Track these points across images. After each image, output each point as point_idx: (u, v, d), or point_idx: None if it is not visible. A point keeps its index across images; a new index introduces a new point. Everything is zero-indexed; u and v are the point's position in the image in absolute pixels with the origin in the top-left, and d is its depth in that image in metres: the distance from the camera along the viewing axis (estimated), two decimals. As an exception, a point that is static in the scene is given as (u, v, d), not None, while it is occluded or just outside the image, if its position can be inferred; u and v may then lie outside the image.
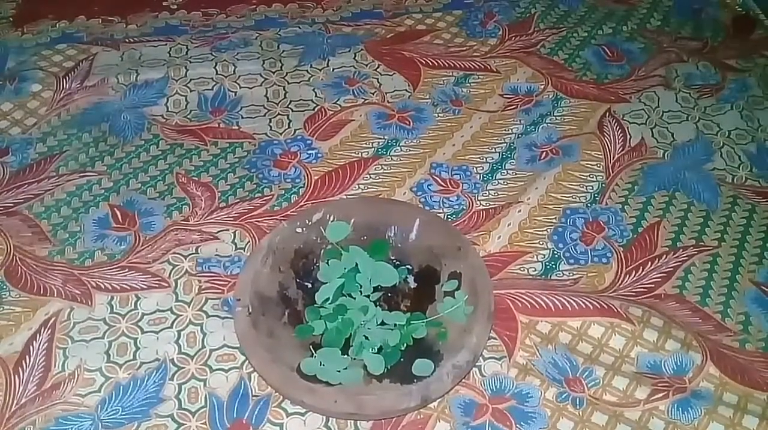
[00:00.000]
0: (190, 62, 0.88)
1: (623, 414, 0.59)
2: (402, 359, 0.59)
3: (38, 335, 0.62)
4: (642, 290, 0.67)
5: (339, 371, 0.57)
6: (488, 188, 0.76)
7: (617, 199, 0.75)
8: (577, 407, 0.59)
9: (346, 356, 0.58)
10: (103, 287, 0.66)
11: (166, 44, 0.91)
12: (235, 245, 0.69)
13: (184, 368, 0.60)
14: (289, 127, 0.81)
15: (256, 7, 0.98)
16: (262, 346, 0.57)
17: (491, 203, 0.74)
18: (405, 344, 0.59)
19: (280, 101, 0.84)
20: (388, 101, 0.85)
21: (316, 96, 0.85)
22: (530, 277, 0.68)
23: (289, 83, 0.86)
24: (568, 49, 0.93)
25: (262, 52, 0.90)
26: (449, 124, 0.82)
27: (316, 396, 0.55)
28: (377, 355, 0.58)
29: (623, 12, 1.00)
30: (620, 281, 0.68)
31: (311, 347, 0.59)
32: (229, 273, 0.67)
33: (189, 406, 0.58)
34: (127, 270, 0.67)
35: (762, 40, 0.97)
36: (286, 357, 0.58)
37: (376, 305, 0.61)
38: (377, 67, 0.89)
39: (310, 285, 0.64)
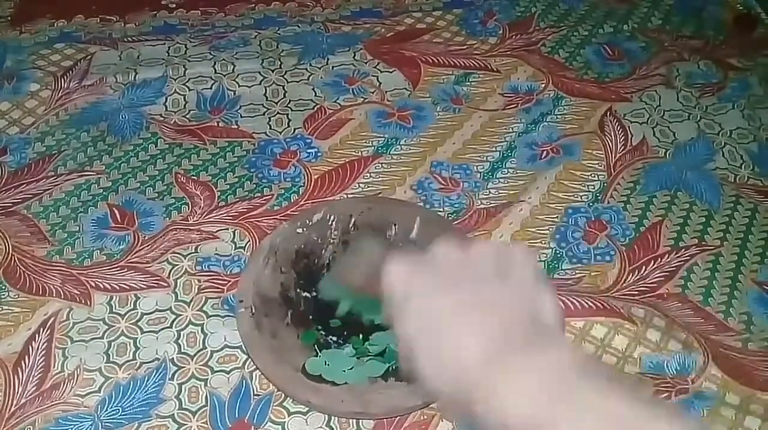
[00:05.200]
0: (189, 61, 0.88)
1: (626, 414, 0.59)
2: None
3: (37, 336, 0.62)
4: (644, 289, 0.67)
5: (344, 371, 0.57)
6: (489, 187, 0.75)
7: (619, 198, 0.75)
8: (580, 407, 0.59)
9: (353, 356, 0.58)
10: (102, 286, 0.65)
11: (164, 43, 0.90)
12: (235, 244, 0.69)
13: (184, 367, 0.60)
14: (288, 126, 0.81)
15: (255, 6, 0.97)
16: (266, 347, 0.57)
17: (492, 202, 0.74)
18: None
19: (279, 100, 0.83)
20: (387, 100, 0.84)
21: (315, 95, 0.84)
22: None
23: (288, 82, 0.86)
24: (568, 47, 0.93)
25: (261, 51, 0.90)
26: (450, 123, 0.82)
27: (322, 396, 0.55)
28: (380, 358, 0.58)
29: (624, 11, 0.99)
30: (622, 281, 0.68)
31: (316, 346, 0.59)
32: (228, 272, 0.67)
33: (190, 406, 0.58)
34: (126, 270, 0.67)
35: (763, 38, 0.96)
36: (291, 358, 0.58)
37: None
38: (377, 66, 0.88)
39: (313, 294, 0.64)
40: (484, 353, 0.38)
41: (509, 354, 0.38)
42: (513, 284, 0.42)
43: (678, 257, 0.70)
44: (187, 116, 0.81)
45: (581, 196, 0.75)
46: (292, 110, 0.82)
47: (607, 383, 0.36)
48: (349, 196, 0.73)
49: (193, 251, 0.68)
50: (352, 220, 0.67)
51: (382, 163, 0.77)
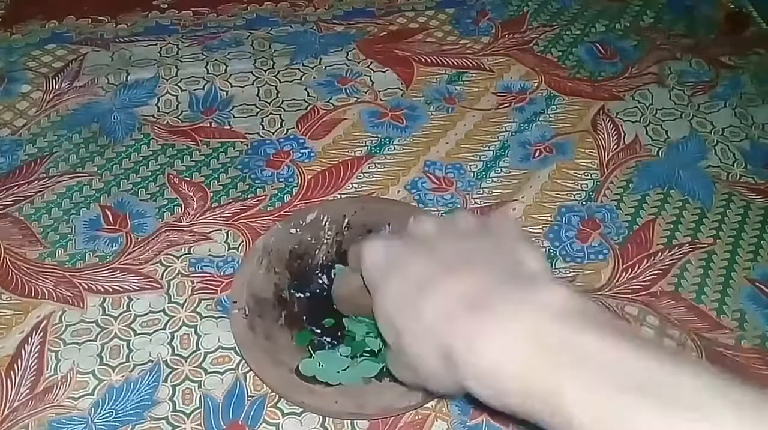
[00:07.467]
0: (181, 62, 0.87)
1: (620, 413, 0.59)
2: None
3: (30, 338, 0.61)
4: (638, 287, 0.67)
5: (338, 372, 0.57)
6: (482, 186, 0.75)
7: (612, 196, 0.75)
8: (575, 405, 0.59)
9: (346, 356, 0.58)
10: (94, 289, 0.65)
11: (156, 44, 0.90)
12: (228, 245, 0.69)
13: (177, 369, 0.60)
14: (281, 126, 0.80)
15: (248, 6, 0.97)
16: (260, 348, 0.57)
17: (486, 202, 0.74)
18: None
19: (272, 100, 0.83)
20: (380, 100, 0.84)
21: (308, 95, 0.84)
22: (526, 275, 0.68)
23: (281, 82, 0.86)
24: (561, 46, 0.93)
25: (254, 52, 0.89)
26: (443, 123, 0.82)
27: (316, 397, 0.55)
28: (374, 358, 0.58)
29: (616, 9, 1.00)
30: (616, 279, 0.68)
31: (309, 347, 0.59)
32: (222, 273, 0.66)
33: (183, 408, 0.58)
34: (119, 272, 0.66)
35: (755, 37, 0.97)
36: (285, 359, 0.57)
37: None
38: (369, 65, 0.88)
39: (306, 294, 0.64)
40: (468, 301, 0.35)
41: (494, 298, 0.34)
42: (495, 239, 0.40)
43: (671, 255, 0.70)
44: (180, 117, 0.81)
45: (574, 195, 0.75)
46: (284, 110, 0.82)
47: (612, 328, 0.31)
48: (343, 196, 0.73)
49: (186, 252, 0.68)
50: (346, 220, 0.67)
51: (375, 163, 0.77)
